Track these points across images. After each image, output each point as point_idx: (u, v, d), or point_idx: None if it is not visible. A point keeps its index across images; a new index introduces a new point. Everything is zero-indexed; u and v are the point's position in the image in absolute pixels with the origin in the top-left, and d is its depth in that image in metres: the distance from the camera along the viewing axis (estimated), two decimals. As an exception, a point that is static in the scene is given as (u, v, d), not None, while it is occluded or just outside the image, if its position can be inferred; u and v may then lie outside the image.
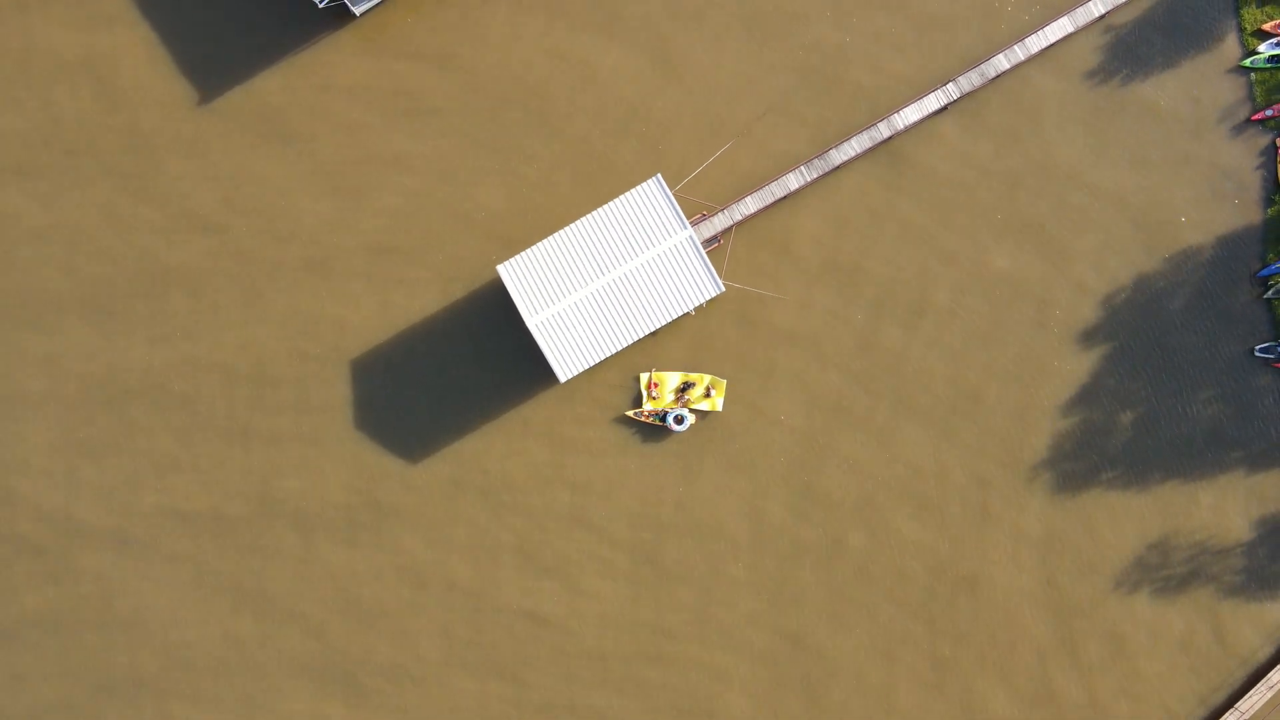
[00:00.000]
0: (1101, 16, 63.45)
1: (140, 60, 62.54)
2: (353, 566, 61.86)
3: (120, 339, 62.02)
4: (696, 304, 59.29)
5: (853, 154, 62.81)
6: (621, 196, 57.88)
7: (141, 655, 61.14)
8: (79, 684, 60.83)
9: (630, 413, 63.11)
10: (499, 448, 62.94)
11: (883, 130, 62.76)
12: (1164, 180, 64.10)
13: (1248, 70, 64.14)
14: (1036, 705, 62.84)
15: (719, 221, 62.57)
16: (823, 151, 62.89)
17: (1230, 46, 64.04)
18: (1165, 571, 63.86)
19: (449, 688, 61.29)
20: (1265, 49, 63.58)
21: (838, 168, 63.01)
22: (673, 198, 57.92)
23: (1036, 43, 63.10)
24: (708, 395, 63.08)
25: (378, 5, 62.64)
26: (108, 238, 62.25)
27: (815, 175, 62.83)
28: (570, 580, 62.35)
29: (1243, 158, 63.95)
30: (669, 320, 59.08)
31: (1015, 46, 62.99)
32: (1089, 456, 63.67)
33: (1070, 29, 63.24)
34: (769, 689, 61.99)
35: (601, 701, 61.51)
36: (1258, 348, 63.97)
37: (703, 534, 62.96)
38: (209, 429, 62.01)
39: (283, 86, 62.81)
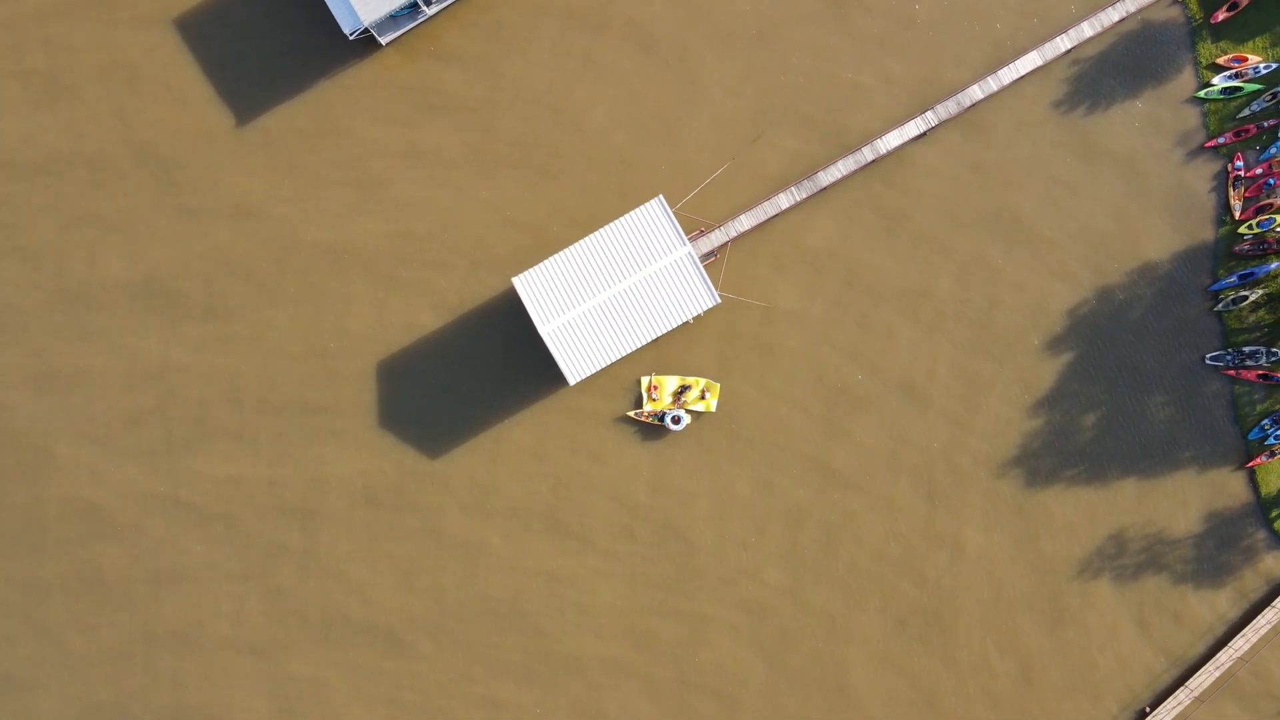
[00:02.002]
0: (1068, 51, 68.29)
1: (187, 84, 67.59)
2: (379, 535, 67.63)
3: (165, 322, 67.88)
4: (694, 314, 64.30)
5: (839, 175, 67.81)
6: (626, 215, 62.74)
7: (186, 609, 67.34)
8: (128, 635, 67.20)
9: (631, 413, 68.14)
10: (511, 445, 68.06)
11: (866, 154, 67.76)
12: (1125, 201, 68.97)
13: (1202, 101, 68.98)
14: (1003, 680, 68.55)
15: (716, 237, 67.58)
16: (811, 173, 67.88)
17: (1187, 79, 68.90)
18: (1122, 560, 69.21)
19: (473, 639, 67.42)
20: (1219, 81, 68.43)
21: (825, 188, 68.02)
22: (673, 217, 62.79)
23: (1008, 75, 67.98)
24: (703, 397, 68.11)
25: (402, 35, 67.32)
26: (156, 224, 68.00)
27: (804, 195, 67.82)
28: (573, 560, 67.84)
29: (1197, 181, 68.89)
30: (669, 329, 64.13)
31: (989, 78, 67.89)
32: (1053, 454, 68.92)
33: (1039, 62, 68.11)
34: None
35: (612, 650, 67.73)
36: (1209, 356, 69.06)
37: (698, 518, 68.38)
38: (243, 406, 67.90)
39: (315, 108, 67.57)
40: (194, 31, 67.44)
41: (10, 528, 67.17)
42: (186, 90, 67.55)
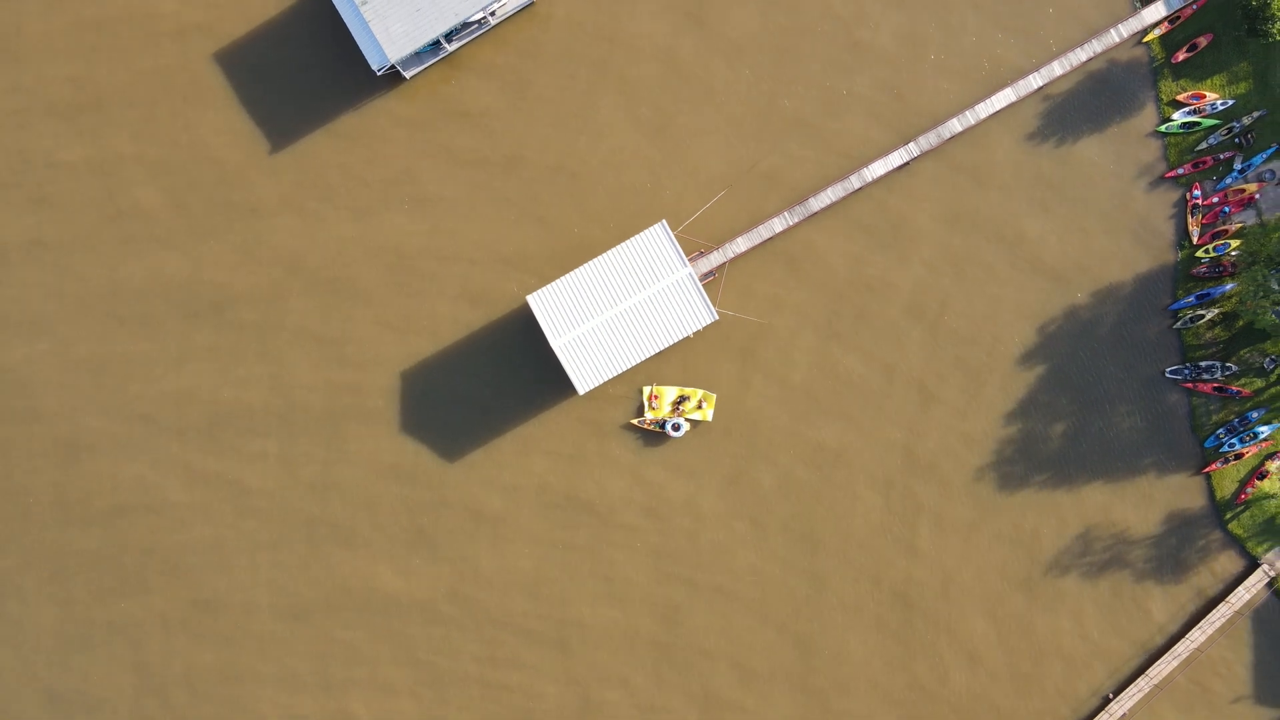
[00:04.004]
0: (1040, 88, 73.54)
1: (230, 111, 72.72)
2: (404, 529, 73.18)
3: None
4: (694, 329, 69.40)
5: (828, 201, 73.07)
6: (632, 239, 67.87)
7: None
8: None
9: (634, 421, 73.31)
10: (521, 449, 73.35)
11: (854, 182, 73.03)
12: (1092, 226, 74.21)
13: (1163, 135, 74.19)
14: (977, 668, 74.10)
15: (714, 258, 72.79)
16: (803, 199, 73.16)
17: (1149, 114, 74.17)
18: (1089, 558, 74.58)
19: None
20: (1179, 116, 73.66)
21: (816, 213, 73.30)
22: (675, 240, 67.94)
23: (985, 109, 73.24)
24: (700, 407, 73.30)
25: (425, 69, 72.42)
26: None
27: (796, 219, 73.06)
28: (575, 551, 73.38)
29: (1158, 208, 74.22)
30: (671, 343, 69.31)
31: (966, 112, 73.11)
32: (1025, 460, 74.37)
33: (1013, 98, 73.34)
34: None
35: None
36: (1168, 370, 74.42)
37: (692, 515, 73.85)
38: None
39: (345, 135, 72.67)
40: (232, 67, 72.43)
41: (50, 499, 73.07)
42: (224, 118, 72.54)
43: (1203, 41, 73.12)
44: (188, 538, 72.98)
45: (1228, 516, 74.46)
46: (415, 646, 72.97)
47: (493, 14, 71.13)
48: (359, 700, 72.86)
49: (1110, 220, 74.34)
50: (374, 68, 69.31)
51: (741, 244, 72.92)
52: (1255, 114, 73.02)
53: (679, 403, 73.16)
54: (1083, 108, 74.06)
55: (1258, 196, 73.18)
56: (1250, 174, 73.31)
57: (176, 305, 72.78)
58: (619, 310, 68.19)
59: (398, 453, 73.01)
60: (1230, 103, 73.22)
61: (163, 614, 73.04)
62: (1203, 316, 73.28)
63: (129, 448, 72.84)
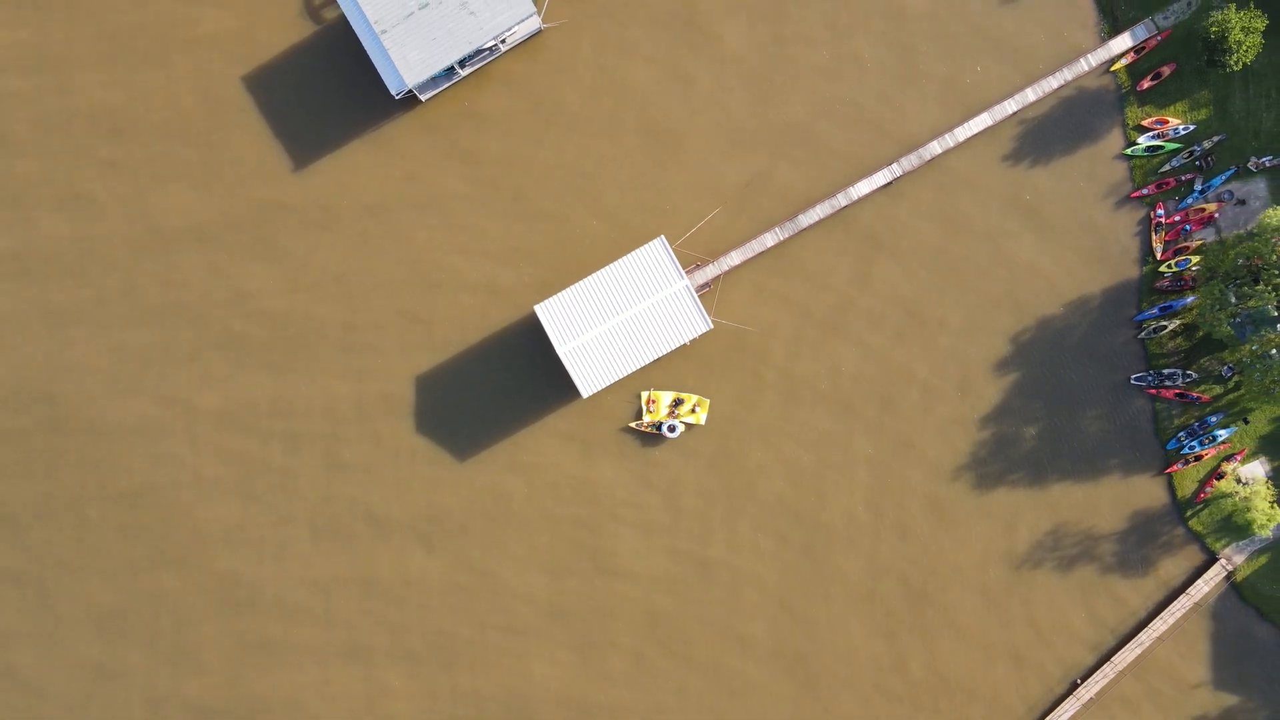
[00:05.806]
0: (1014, 113, 78.34)
1: (256, 127, 77.69)
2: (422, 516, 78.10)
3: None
4: (690, 338, 74.05)
5: (817, 218, 77.81)
6: (632, 253, 72.46)
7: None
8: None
9: (633, 424, 77.92)
10: (526, 450, 78.07)
11: (840, 200, 77.78)
12: (1063, 242, 78.92)
13: (1129, 157, 78.90)
14: (951, 656, 79.00)
15: (710, 271, 77.50)
16: (792, 215, 77.90)
17: (1116, 138, 78.88)
18: (1058, 553, 79.26)
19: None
20: (1144, 140, 78.35)
21: (805, 229, 78.05)
22: (673, 254, 72.56)
23: (963, 132, 78.03)
24: (694, 410, 77.96)
25: (440, 93, 77.09)
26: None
27: (787, 234, 77.80)
28: (577, 542, 78.17)
29: (1124, 226, 78.95)
30: (668, 351, 73.98)
31: (946, 135, 77.89)
32: (998, 461, 79.14)
33: (989, 122, 78.12)
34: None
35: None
36: (1133, 377, 79.11)
37: (685, 505, 78.76)
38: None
39: (362, 152, 77.43)
40: (259, 89, 77.29)
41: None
42: (251, 133, 77.31)
43: (1166, 71, 77.86)
44: (212, 514, 77.69)
45: (1188, 514, 79.22)
46: (433, 616, 77.99)
47: (503, 41, 75.78)
48: (385, 667, 77.78)
49: (1080, 237, 79.00)
50: (392, 92, 73.86)
51: (735, 258, 77.60)
52: (1215, 138, 77.81)
53: (675, 406, 77.76)
54: (1054, 132, 78.79)
55: (1217, 215, 77.99)
56: (1210, 194, 78.09)
57: (198, 299, 77.98)
58: (620, 319, 72.78)
59: (418, 443, 77.90)
60: (1192, 128, 77.97)
61: (188, 585, 77.86)
62: (1165, 327, 77.89)
63: (155, 429, 77.89)
